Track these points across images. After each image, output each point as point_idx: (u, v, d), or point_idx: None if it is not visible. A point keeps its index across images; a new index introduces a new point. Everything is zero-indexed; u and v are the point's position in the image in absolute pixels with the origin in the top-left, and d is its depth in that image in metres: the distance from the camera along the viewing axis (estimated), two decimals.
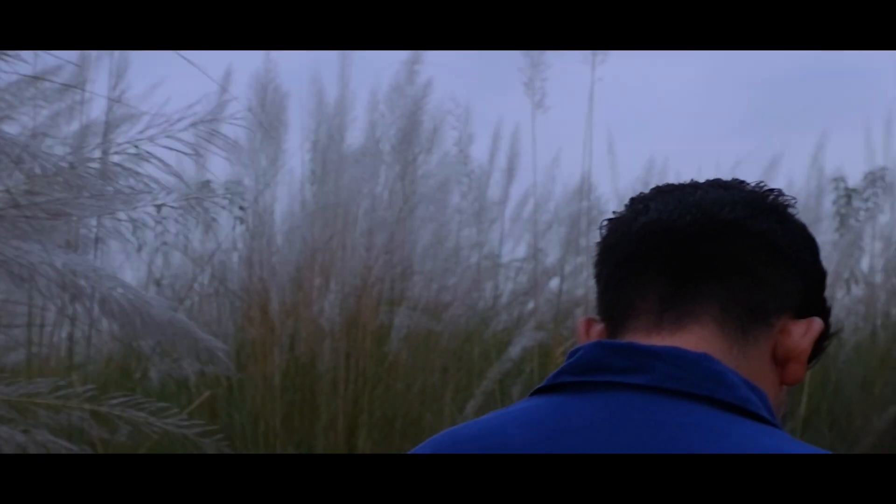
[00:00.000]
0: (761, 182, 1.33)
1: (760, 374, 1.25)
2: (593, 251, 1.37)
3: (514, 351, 5.51)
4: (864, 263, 7.99)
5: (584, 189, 6.84)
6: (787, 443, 1.15)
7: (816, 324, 1.28)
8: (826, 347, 1.33)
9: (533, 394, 1.25)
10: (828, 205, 7.97)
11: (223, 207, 6.83)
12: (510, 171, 6.74)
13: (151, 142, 2.72)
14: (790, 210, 1.31)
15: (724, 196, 1.28)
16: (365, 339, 5.36)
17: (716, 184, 1.30)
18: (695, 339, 1.22)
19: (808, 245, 1.30)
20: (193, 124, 2.57)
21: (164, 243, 6.59)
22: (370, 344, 5.38)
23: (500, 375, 5.61)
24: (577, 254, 7.25)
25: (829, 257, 7.57)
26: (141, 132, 2.70)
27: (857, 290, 8.05)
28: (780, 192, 1.31)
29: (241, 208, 5.92)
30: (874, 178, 8.49)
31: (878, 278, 7.85)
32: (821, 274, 1.32)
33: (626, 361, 1.19)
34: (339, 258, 5.52)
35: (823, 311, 1.33)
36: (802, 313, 1.29)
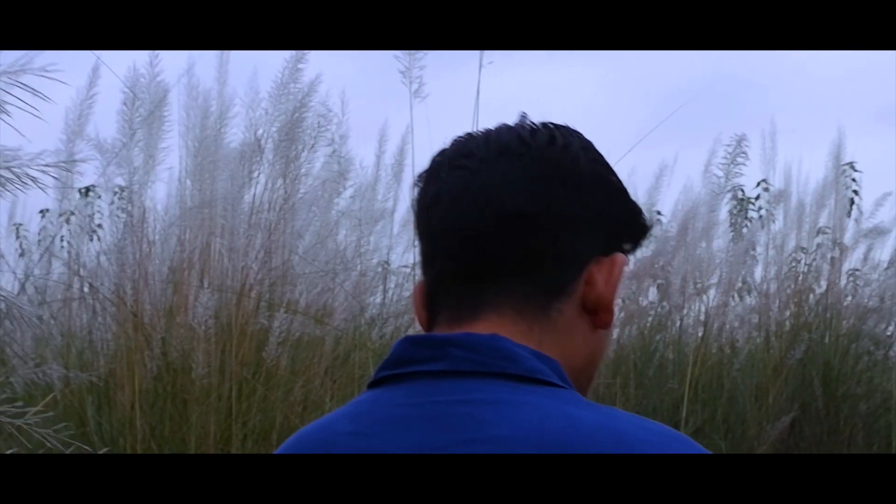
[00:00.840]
0: (546, 126, 1.37)
1: (571, 338, 1.34)
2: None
3: None
4: (758, 273, 7.95)
5: None
6: (571, 403, 1.26)
7: (618, 261, 1.35)
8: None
9: (366, 389, 1.37)
10: (723, 214, 7.91)
11: (98, 211, 6.57)
12: (398, 174, 6.57)
13: None
14: (573, 154, 1.35)
15: (507, 173, 1.33)
16: (242, 344, 5.12)
17: (499, 150, 1.34)
18: (488, 325, 1.31)
19: (601, 190, 1.36)
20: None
21: (46, 249, 6.36)
22: (247, 349, 5.14)
23: None
24: None
25: (722, 266, 7.50)
26: None
27: (751, 300, 8.01)
28: (562, 137, 1.35)
29: (120, 209, 5.68)
30: (767, 188, 8.47)
31: (772, 287, 7.81)
32: (620, 204, 1.37)
33: (428, 352, 1.30)
34: (215, 259, 5.28)
35: (627, 227, 1.38)
36: (607, 251, 1.36)
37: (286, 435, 5.04)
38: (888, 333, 7.93)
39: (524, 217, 1.31)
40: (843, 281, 7.82)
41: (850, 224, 7.92)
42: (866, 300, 7.68)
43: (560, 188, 1.33)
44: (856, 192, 7.90)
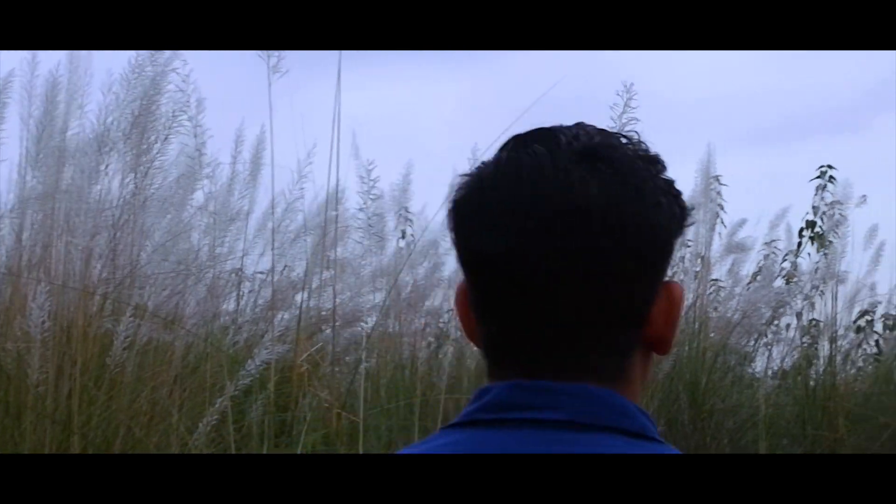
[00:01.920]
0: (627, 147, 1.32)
1: (638, 378, 1.35)
2: (450, 222, 1.34)
3: (253, 365, 4.97)
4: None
5: (332, 199, 6.40)
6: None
7: (675, 297, 1.34)
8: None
9: (444, 429, 1.34)
10: None
11: None
12: (254, 177, 6.24)
13: None
14: (657, 184, 1.31)
15: (596, 208, 1.27)
16: (84, 349, 4.73)
17: (582, 165, 1.29)
18: (591, 376, 1.30)
19: (674, 223, 1.33)
20: None
21: None
22: (90, 355, 4.76)
23: (239, 392, 5.07)
24: (326, 267, 6.81)
25: None
26: None
27: None
28: (653, 163, 1.33)
29: None
30: None
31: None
32: (677, 237, 1.34)
33: (540, 399, 1.28)
34: (55, 257, 4.89)
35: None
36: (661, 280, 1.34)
37: (129, 447, 4.68)
38: (750, 349, 7.87)
39: (616, 266, 1.29)
40: (709, 294, 7.73)
41: (716, 238, 7.83)
42: (731, 314, 7.59)
43: (649, 226, 1.30)
44: (721, 206, 7.80)
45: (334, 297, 6.09)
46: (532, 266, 1.27)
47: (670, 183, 1.32)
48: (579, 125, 1.32)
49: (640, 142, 1.32)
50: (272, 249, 6.41)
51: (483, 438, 1.29)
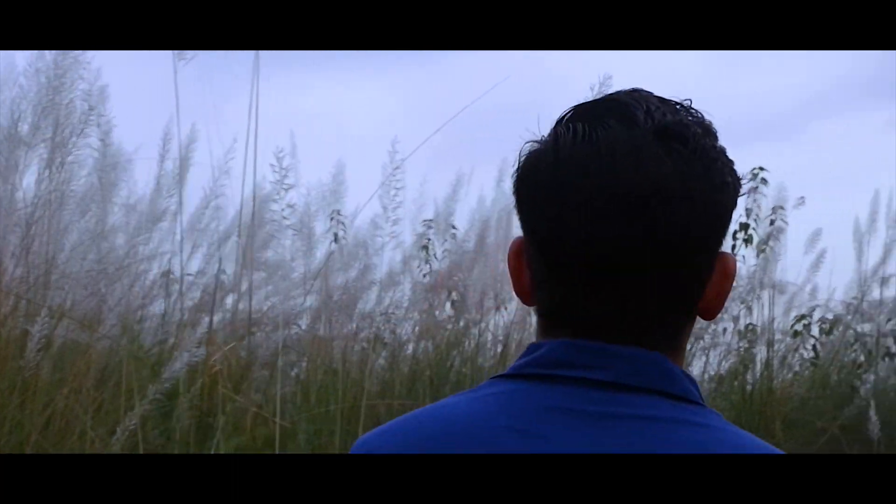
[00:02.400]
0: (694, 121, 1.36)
1: (685, 344, 1.40)
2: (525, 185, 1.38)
3: (175, 368, 4.83)
4: None
5: (259, 202, 6.27)
6: (724, 424, 1.35)
7: (729, 269, 1.38)
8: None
9: (493, 378, 1.38)
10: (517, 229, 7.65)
11: None
12: (182, 177, 6.10)
13: None
14: (720, 156, 1.36)
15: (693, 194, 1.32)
16: None
17: (664, 146, 1.32)
18: (645, 342, 1.33)
19: (735, 199, 1.37)
20: None
21: None
22: (3, 357, 4.60)
23: (162, 395, 4.93)
24: (255, 269, 6.68)
25: None
26: None
27: None
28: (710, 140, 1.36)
29: None
30: None
31: None
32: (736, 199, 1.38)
33: (588, 358, 1.32)
34: None
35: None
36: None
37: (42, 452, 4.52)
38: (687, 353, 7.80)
39: (699, 241, 1.33)
40: None
41: None
42: None
43: (718, 200, 1.35)
44: None
45: (255, 300, 5.94)
46: (605, 246, 1.31)
47: (729, 159, 1.37)
48: (643, 96, 1.35)
49: (699, 113, 1.36)
50: (200, 249, 6.29)
51: (529, 391, 1.33)
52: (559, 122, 1.35)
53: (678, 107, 1.35)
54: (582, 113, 1.34)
